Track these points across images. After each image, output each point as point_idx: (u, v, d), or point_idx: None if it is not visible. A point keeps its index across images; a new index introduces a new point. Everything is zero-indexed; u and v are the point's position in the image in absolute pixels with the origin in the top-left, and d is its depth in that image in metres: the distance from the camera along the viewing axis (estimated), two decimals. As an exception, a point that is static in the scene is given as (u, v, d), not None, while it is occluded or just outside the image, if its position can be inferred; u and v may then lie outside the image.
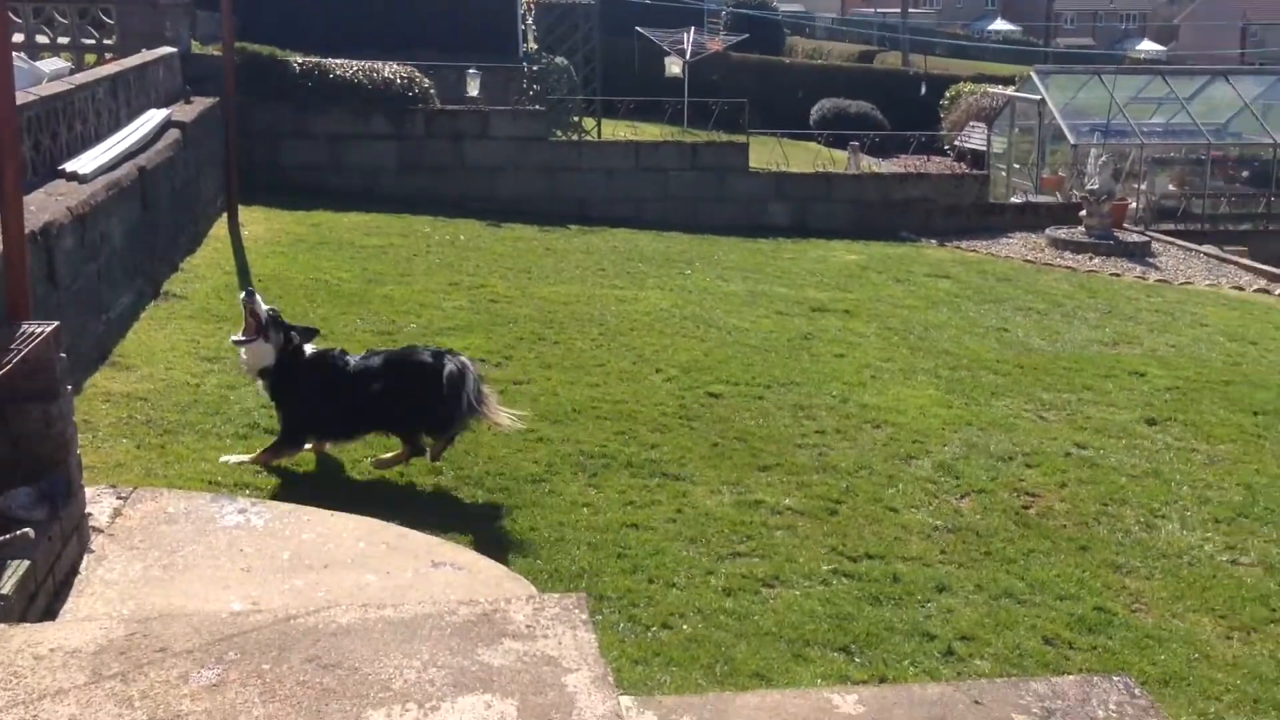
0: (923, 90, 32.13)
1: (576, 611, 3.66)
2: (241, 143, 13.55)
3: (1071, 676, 3.96)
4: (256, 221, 12.95)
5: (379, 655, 3.30)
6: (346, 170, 16.49)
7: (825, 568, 5.52)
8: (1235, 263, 16.46)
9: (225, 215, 12.64)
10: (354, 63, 16.92)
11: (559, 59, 20.73)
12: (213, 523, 4.88)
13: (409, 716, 3.04)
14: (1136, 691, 3.65)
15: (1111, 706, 3.56)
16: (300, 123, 16.39)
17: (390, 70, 16.94)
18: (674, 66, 28.92)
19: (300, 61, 16.57)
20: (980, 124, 26.07)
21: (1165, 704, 4.29)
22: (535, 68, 20.32)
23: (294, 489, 5.75)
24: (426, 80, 17.30)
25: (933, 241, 16.99)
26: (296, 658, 3.27)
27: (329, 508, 5.43)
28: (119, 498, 4.96)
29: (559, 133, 18.53)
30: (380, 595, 4.38)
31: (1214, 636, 5.21)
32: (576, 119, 20.05)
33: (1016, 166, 22.96)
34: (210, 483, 5.62)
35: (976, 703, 3.56)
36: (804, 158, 21.49)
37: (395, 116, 16.75)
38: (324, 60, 16.80)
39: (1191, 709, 4.56)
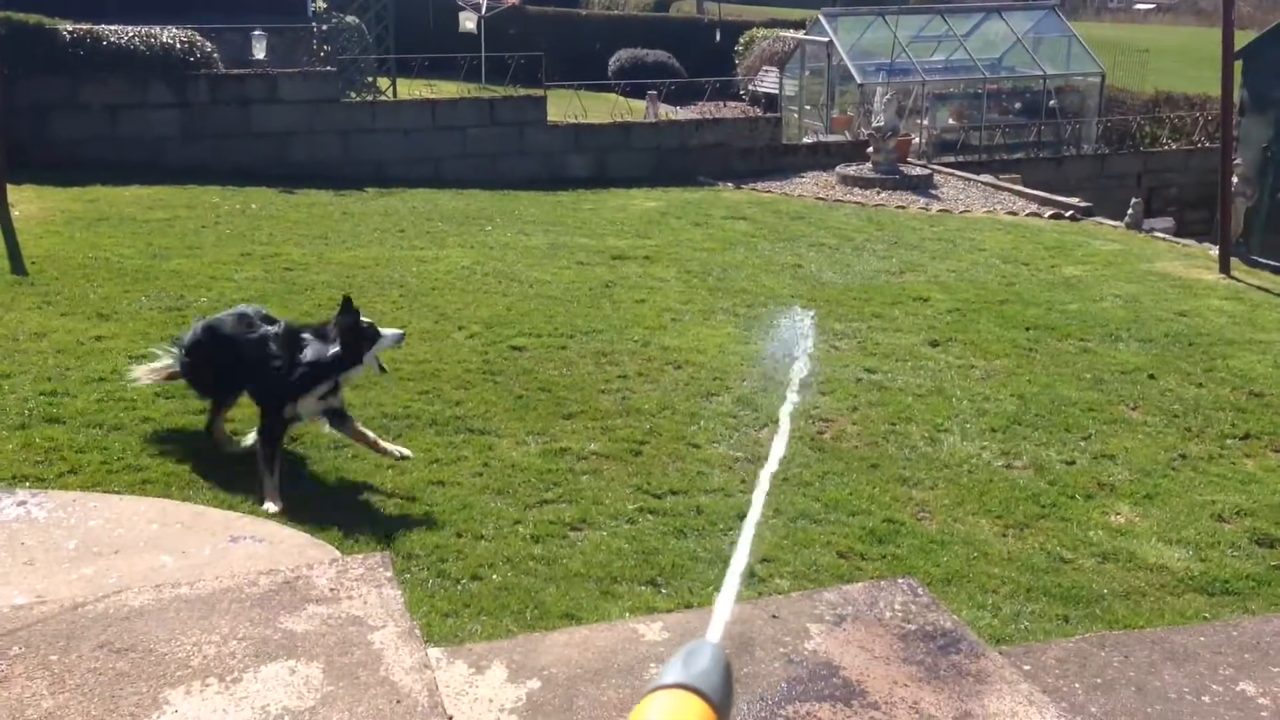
0: (717, 37, 32.48)
1: (381, 570, 3.67)
2: (8, 118, 12.75)
3: (860, 583, 4.16)
4: (27, 201, 12.24)
5: (175, 634, 3.24)
6: (125, 142, 15.72)
7: (631, 507, 5.66)
8: (1009, 190, 17.35)
9: (-8, 196, 11.90)
10: (130, 28, 16.07)
11: (349, 18, 20.13)
12: (-10, 517, 4.66)
13: (210, 691, 3.01)
14: (920, 591, 3.88)
15: (897, 606, 3.77)
16: (73, 94, 15.53)
17: (169, 35, 16.17)
18: (468, 22, 28.41)
19: (70, 29, 15.64)
20: (773, 68, 26.60)
21: (947, 600, 4.57)
22: (324, 27, 19.70)
23: (79, 478, 5.53)
24: (209, 44, 16.60)
25: (730, 185, 17.33)
26: (87, 645, 3.18)
27: (117, 493, 5.27)
28: (-117, 499, 4.69)
29: (352, 94, 18.06)
30: (176, 575, 4.28)
31: (991, 535, 5.58)
32: (370, 79, 19.55)
33: (808, 108, 23.56)
34: (-16, 477, 5.36)
35: (774, 617, 3.71)
36: (603, 108, 21.52)
37: (176, 83, 16.02)
38: (97, 26, 15.90)
39: (971, 602, 4.88)
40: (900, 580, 4.02)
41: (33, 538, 4.54)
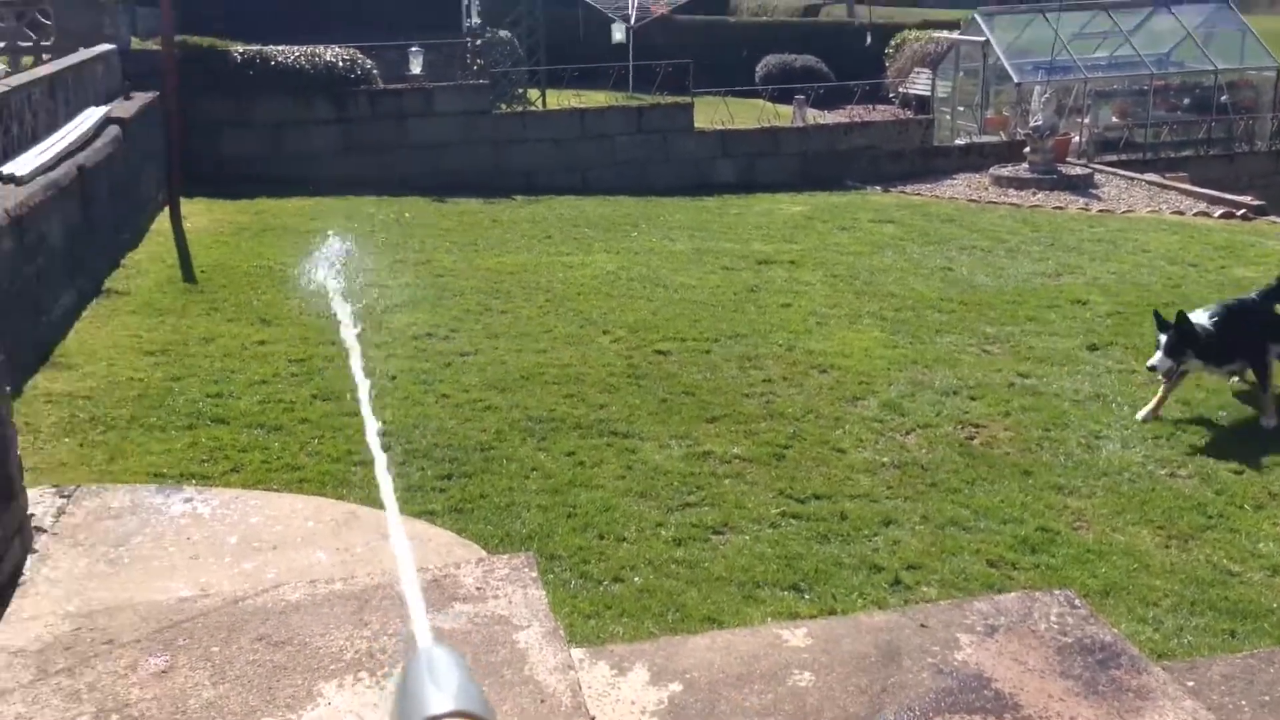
0: (868, 40, 32.01)
1: (525, 570, 3.70)
2: (183, 135, 13.41)
3: (1014, 594, 4.02)
4: (199, 213, 12.87)
5: (330, 629, 3.32)
6: (290, 157, 16.36)
7: (774, 511, 5.61)
8: (1176, 188, 16.59)
9: (167, 209, 12.55)
10: (295, 49, 16.75)
11: (502, 32, 20.59)
12: (158, 514, 4.88)
13: (361, 685, 3.08)
14: (1077, 603, 3.73)
15: (1053, 618, 3.63)
16: (242, 112, 16.25)
17: (332, 54, 16.80)
18: (618, 33, 28.77)
19: (241, 51, 16.41)
20: (925, 70, 26.08)
21: (1106, 613, 4.38)
22: (478, 42, 20.17)
23: (240, 476, 5.77)
24: (369, 61, 17.18)
25: (878, 188, 17.06)
26: (246, 638, 3.29)
27: (276, 491, 5.47)
28: (62, 496, 4.95)
29: (503, 105, 18.44)
30: (331, 571, 4.40)
31: (1153, 546, 5.33)
32: (521, 90, 19.93)
33: (961, 109, 23.00)
34: (156, 475, 5.63)
35: (923, 626, 3.62)
36: (750, 114, 21.44)
37: (338, 99, 16.62)
38: (265, 48, 16.63)
39: (1131, 615, 4.67)
40: (1056, 591, 3.87)
41: (198, 533, 4.74)
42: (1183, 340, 6.91)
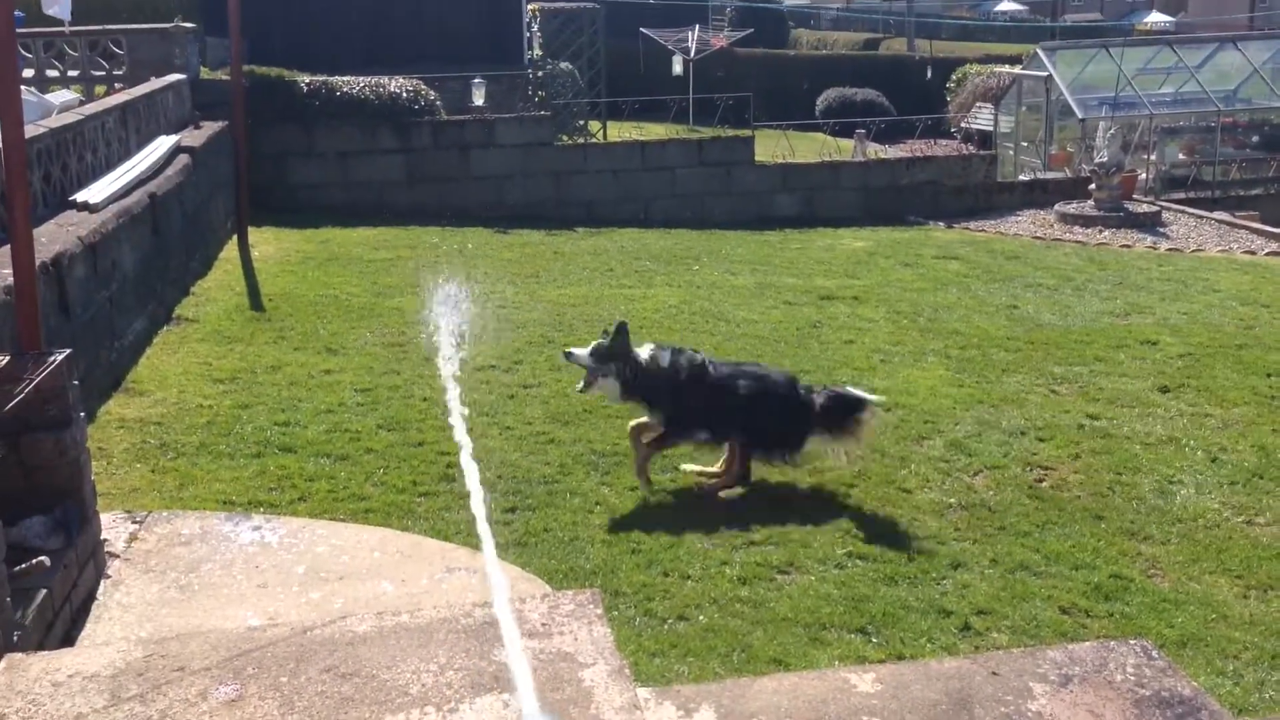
0: (928, 74, 31.95)
1: (591, 607, 3.69)
2: (251, 164, 13.65)
3: (1088, 643, 3.95)
4: (266, 241, 13.07)
5: (396, 661, 3.33)
6: (355, 186, 16.60)
7: (840, 551, 5.54)
8: (1247, 227, 16.30)
9: (236, 237, 12.77)
10: (360, 79, 17.02)
11: (563, 64, 20.79)
12: (228, 541, 4.94)
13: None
14: (1154, 654, 3.66)
15: (1129, 670, 3.56)
16: (308, 141, 16.51)
17: (396, 84, 17.04)
18: (678, 65, 28.96)
19: (308, 81, 16.69)
20: (987, 105, 25.94)
21: (1183, 665, 4.28)
22: (540, 74, 20.39)
23: (307, 505, 5.81)
24: (432, 93, 17.40)
25: (941, 224, 16.95)
26: (314, 669, 3.30)
27: (343, 520, 5.51)
28: (134, 522, 5.03)
29: (565, 137, 18.58)
30: (396, 603, 4.43)
31: (1231, 596, 5.20)
32: (582, 122, 20.08)
33: (1024, 145, 22.82)
34: (225, 502, 5.70)
35: (994, 674, 3.57)
36: (810, 148, 21.46)
37: (402, 130, 16.84)
38: (331, 79, 16.91)
39: (1210, 668, 4.56)
40: (1132, 641, 3.80)
41: (266, 561, 4.79)
42: (614, 350, 6.08)
